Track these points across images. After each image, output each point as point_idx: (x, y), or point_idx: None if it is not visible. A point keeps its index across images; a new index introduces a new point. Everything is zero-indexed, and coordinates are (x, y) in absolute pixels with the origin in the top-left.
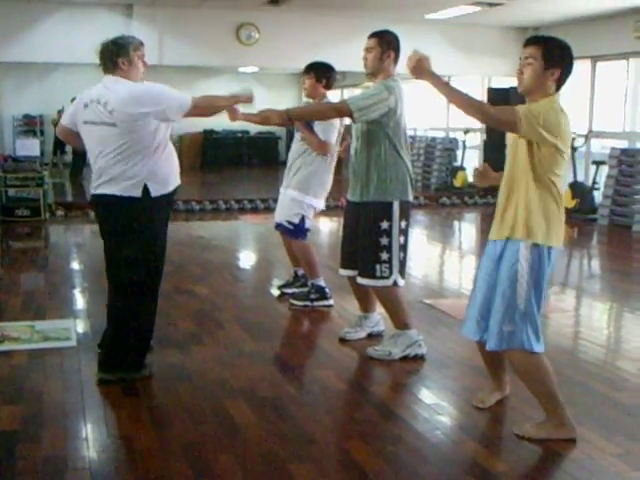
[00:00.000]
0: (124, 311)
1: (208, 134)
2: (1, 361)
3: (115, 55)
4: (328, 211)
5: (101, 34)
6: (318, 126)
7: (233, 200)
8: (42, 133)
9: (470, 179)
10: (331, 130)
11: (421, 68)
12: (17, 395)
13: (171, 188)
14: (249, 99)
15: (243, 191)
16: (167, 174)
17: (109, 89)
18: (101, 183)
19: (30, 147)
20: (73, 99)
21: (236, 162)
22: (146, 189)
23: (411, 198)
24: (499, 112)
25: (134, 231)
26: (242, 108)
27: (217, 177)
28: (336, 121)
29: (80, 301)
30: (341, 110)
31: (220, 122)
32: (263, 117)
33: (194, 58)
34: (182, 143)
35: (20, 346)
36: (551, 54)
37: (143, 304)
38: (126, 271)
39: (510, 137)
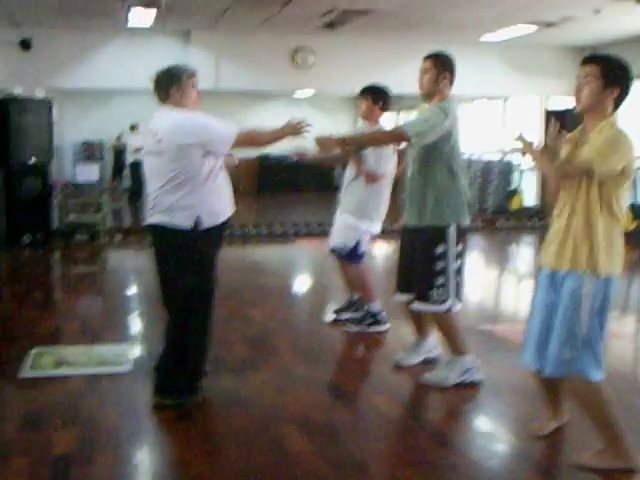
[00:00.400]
0: (180, 336)
1: (263, 160)
2: (58, 385)
3: (168, 85)
4: (384, 235)
5: (159, 60)
6: (371, 155)
7: (289, 224)
8: (101, 158)
9: (526, 203)
10: (383, 160)
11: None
12: (73, 419)
13: (223, 218)
14: (294, 130)
15: (298, 215)
16: (218, 204)
17: (161, 119)
18: (154, 213)
19: (89, 172)
20: (132, 126)
21: (291, 187)
22: (198, 220)
23: (467, 222)
24: (575, 170)
25: (185, 260)
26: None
27: (272, 202)
28: (389, 150)
29: (136, 326)
30: (399, 136)
31: (275, 147)
32: (321, 144)
33: (250, 82)
34: (238, 169)
35: (77, 371)
36: (610, 72)
37: (197, 329)
38: (180, 298)
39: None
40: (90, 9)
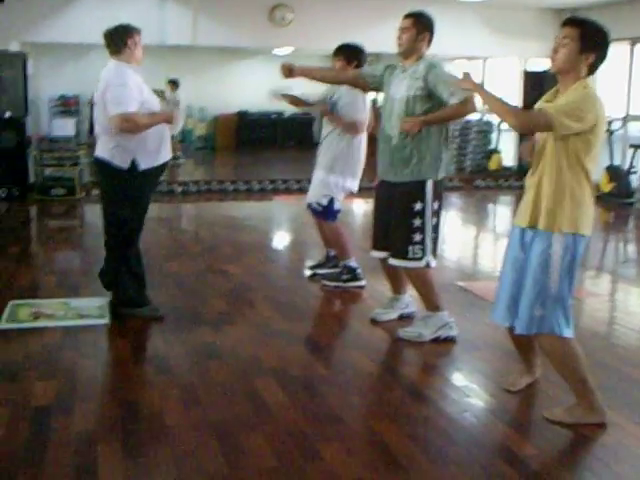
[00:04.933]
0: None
1: (242, 115)
2: (35, 337)
3: (117, 41)
4: (362, 192)
5: (136, 15)
6: (344, 106)
7: (267, 180)
8: (78, 113)
9: (504, 162)
10: (358, 108)
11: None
12: (51, 371)
13: (160, 162)
14: (169, 118)
15: (277, 172)
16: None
17: (106, 70)
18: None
19: (66, 127)
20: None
21: (270, 143)
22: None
23: (443, 176)
24: (533, 118)
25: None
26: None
27: (251, 158)
28: (362, 97)
29: None
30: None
31: (254, 103)
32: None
33: (228, 39)
34: (217, 124)
35: (54, 323)
36: (588, 37)
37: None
38: (113, 227)
39: None
40: None
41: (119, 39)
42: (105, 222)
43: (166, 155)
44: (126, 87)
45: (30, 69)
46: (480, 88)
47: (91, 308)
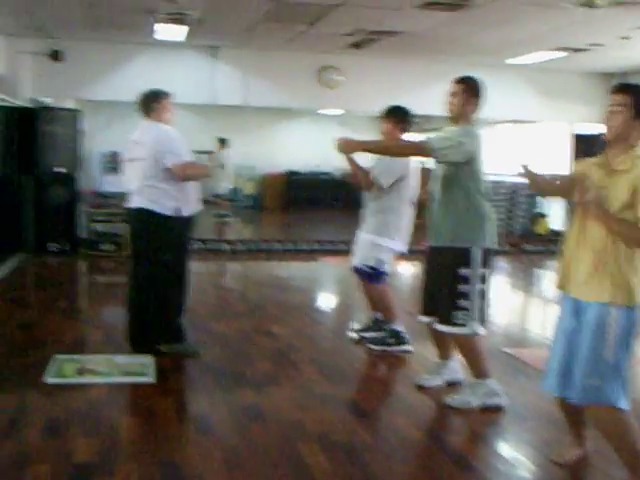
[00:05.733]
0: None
1: (291, 175)
2: (80, 393)
3: (149, 103)
4: (410, 255)
5: (188, 74)
6: (377, 167)
7: (313, 241)
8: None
9: (552, 226)
10: (388, 174)
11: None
12: (94, 428)
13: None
14: (204, 172)
15: (324, 232)
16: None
17: (142, 130)
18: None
19: (116, 183)
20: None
21: (318, 203)
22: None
23: (493, 245)
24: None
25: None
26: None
27: (298, 218)
28: (398, 166)
29: None
30: (422, 148)
31: (302, 163)
32: (340, 144)
33: (277, 100)
34: (265, 183)
35: (99, 379)
36: None
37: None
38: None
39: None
40: (120, 22)
41: (147, 103)
42: (142, 267)
43: (198, 204)
44: (175, 140)
45: (83, 126)
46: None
47: (136, 365)
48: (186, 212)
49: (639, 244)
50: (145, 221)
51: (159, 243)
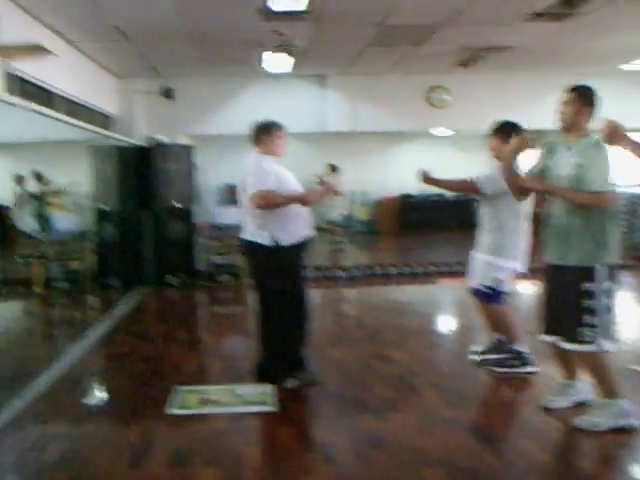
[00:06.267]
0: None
1: (405, 198)
2: (202, 424)
3: (258, 135)
4: (530, 274)
5: (297, 103)
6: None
7: (429, 264)
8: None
9: None
10: (491, 181)
11: (617, 135)
12: (216, 458)
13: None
14: (305, 200)
15: (439, 254)
16: (294, 227)
17: (248, 160)
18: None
19: (230, 215)
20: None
21: (432, 225)
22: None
23: (618, 259)
24: None
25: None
26: None
27: (413, 241)
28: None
29: None
30: (605, 199)
31: (415, 186)
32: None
33: (387, 123)
34: (379, 208)
35: (220, 409)
36: None
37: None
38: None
39: None
40: (228, 58)
41: (256, 135)
42: (260, 298)
43: (305, 232)
44: (263, 171)
45: (197, 160)
46: (629, 140)
47: (257, 394)
48: (285, 242)
49: None
50: (251, 253)
51: (267, 273)
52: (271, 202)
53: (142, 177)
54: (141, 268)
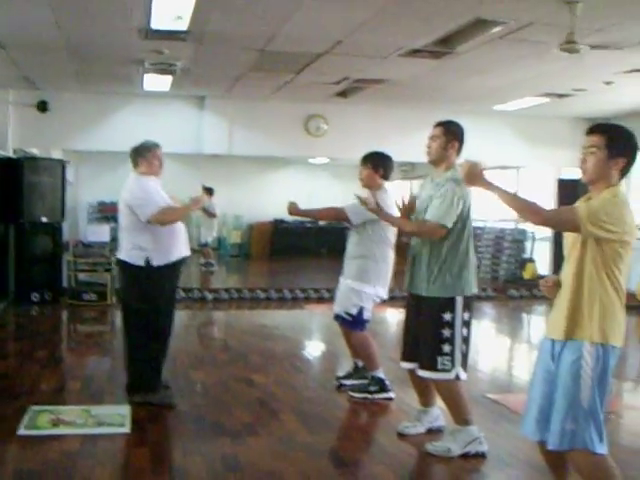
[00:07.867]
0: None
1: (278, 223)
2: (54, 445)
3: (137, 156)
4: (392, 301)
5: (174, 124)
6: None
7: (298, 289)
8: (115, 219)
9: (539, 271)
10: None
11: (474, 175)
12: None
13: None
14: (183, 212)
15: (309, 280)
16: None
17: (128, 182)
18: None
19: (100, 233)
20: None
21: (304, 251)
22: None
23: (474, 290)
24: (558, 214)
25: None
26: None
27: (284, 266)
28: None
29: None
30: (435, 231)
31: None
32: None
33: (263, 149)
34: (252, 232)
35: (73, 430)
36: (615, 143)
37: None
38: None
39: (568, 234)
40: (107, 74)
41: (134, 156)
42: (125, 316)
43: (180, 252)
44: (149, 191)
45: (70, 176)
46: (485, 181)
47: (113, 416)
48: (158, 261)
49: (526, 214)
50: (124, 272)
51: (135, 293)
52: (173, 216)
53: (9, 190)
54: (3, 284)
